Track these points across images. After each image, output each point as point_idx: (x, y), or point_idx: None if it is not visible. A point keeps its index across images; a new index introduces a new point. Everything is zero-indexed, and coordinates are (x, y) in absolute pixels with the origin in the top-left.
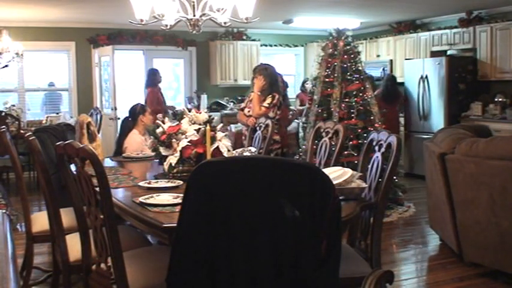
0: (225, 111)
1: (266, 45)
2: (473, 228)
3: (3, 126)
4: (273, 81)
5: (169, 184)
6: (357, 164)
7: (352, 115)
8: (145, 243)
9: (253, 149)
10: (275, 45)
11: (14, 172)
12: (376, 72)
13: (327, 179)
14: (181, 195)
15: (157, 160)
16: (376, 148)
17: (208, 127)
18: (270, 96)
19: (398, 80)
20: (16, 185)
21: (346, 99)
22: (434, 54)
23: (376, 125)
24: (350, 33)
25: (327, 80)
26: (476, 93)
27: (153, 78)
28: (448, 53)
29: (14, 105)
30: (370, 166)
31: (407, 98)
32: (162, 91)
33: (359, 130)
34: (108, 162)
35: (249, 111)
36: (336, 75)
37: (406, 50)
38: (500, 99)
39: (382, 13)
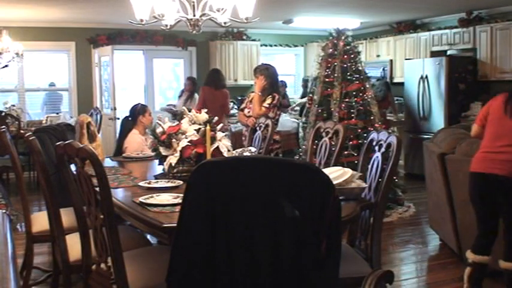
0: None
1: (266, 45)
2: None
3: (3, 126)
4: (273, 82)
5: (169, 184)
6: (357, 164)
7: (352, 115)
8: (145, 243)
9: (253, 149)
10: (275, 45)
11: (14, 172)
12: (376, 72)
13: (327, 179)
14: (181, 195)
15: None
16: (376, 148)
17: (208, 127)
18: (270, 96)
19: (399, 80)
20: (16, 185)
21: (346, 99)
22: (434, 54)
23: (376, 125)
24: (350, 33)
25: (327, 80)
26: (476, 93)
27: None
28: (448, 53)
29: (14, 105)
30: (370, 166)
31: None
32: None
33: (359, 130)
34: (108, 162)
35: (248, 112)
36: (336, 75)
37: (406, 50)
38: None
39: (382, 13)
